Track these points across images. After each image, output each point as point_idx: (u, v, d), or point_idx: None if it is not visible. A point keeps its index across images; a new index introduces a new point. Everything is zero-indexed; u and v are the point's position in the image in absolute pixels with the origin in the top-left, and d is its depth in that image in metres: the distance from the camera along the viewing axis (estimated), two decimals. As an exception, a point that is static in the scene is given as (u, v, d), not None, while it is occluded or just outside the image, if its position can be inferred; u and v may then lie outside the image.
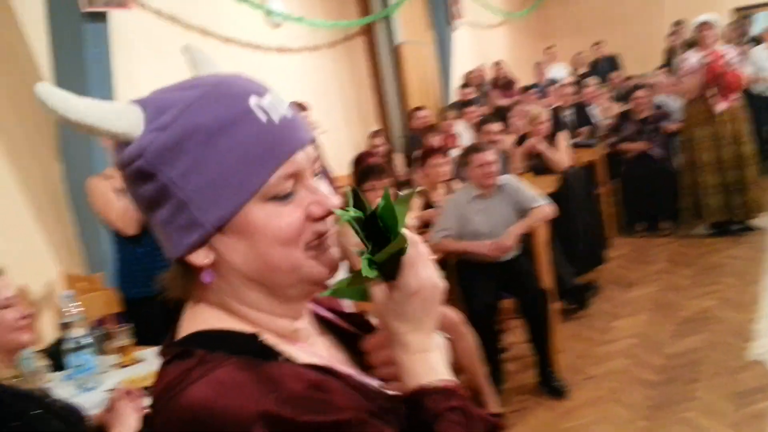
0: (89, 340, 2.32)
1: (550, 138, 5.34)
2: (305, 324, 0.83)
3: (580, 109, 7.11)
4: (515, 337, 4.06)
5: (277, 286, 0.75)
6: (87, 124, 0.70)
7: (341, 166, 5.55)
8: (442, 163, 4.37)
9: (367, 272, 0.75)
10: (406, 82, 7.41)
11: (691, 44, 5.78)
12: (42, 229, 4.07)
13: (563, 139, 5.41)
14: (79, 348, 2.29)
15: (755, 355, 3.56)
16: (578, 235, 4.92)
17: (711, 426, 3.01)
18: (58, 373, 2.38)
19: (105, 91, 4.30)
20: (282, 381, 0.67)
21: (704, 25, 5.52)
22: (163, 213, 0.72)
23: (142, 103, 0.73)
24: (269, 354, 0.72)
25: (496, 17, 10.63)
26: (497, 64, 9.19)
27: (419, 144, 5.73)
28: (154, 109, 0.72)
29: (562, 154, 5.27)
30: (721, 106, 5.48)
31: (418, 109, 6.61)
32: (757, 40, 7.96)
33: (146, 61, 4.80)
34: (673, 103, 6.59)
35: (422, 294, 0.74)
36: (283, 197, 0.73)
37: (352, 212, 0.76)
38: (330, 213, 0.76)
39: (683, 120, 5.85)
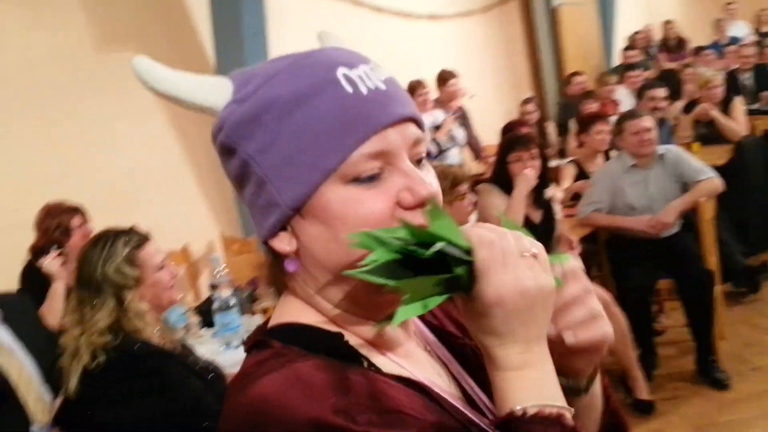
0: (234, 300, 2.45)
1: (724, 104, 4.84)
2: (397, 332, 0.72)
3: (761, 71, 6.38)
4: (672, 320, 3.77)
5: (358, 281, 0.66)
6: (175, 96, 0.67)
7: (491, 135, 5.42)
8: (603, 131, 4.11)
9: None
10: (563, 46, 7.06)
11: None
12: (204, 194, 4.36)
13: (739, 104, 4.89)
14: (226, 308, 2.42)
15: None
16: (752, 212, 4.45)
17: None
18: (207, 330, 2.54)
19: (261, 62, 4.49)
20: (354, 388, 0.60)
21: None
22: (248, 191, 0.68)
23: (235, 76, 0.69)
24: (353, 357, 0.66)
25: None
26: (667, 23, 8.47)
27: (574, 112, 5.45)
28: (240, 81, 0.67)
29: (737, 121, 4.77)
30: None
31: (575, 74, 6.27)
32: None
33: (300, 34, 4.94)
34: None
35: (506, 303, 0.60)
36: (366, 180, 0.63)
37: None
38: (425, 202, 0.64)
39: None
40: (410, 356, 0.72)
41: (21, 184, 3.50)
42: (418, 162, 0.68)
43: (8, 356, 2.41)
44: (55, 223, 3.00)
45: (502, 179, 3.27)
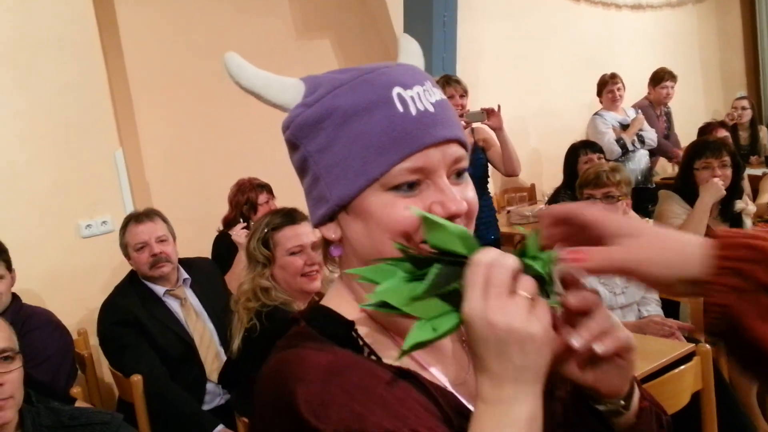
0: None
1: None
2: None
3: None
4: None
5: None
6: (254, 92, 0.76)
7: (691, 135, 5.03)
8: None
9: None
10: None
11: None
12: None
13: None
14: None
15: None
16: None
17: None
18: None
19: (449, 52, 4.57)
20: (342, 374, 0.67)
21: None
22: (306, 182, 0.77)
23: (308, 80, 0.77)
24: (355, 346, 0.73)
25: None
26: None
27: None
28: (311, 86, 0.76)
29: None
30: None
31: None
32: None
33: (490, 23, 4.93)
34: None
35: (473, 328, 0.60)
36: (404, 189, 0.71)
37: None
38: (454, 217, 0.70)
39: None
40: (438, 347, 0.78)
41: (221, 160, 3.87)
42: (458, 175, 0.74)
43: (195, 318, 2.71)
44: (245, 198, 3.28)
45: (687, 186, 3.05)
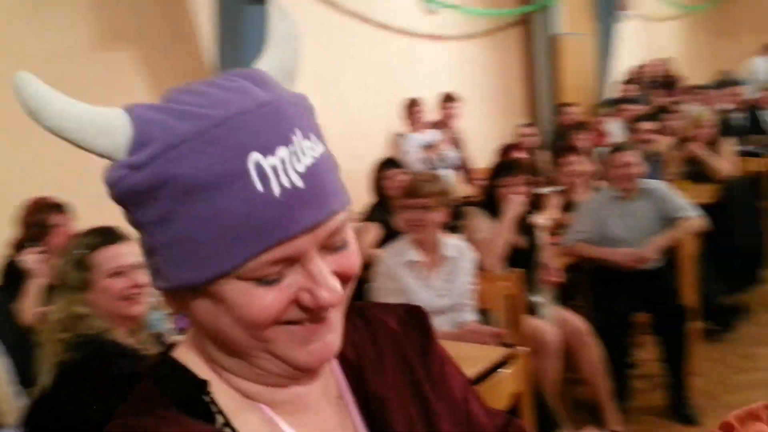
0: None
1: (714, 143, 4.91)
2: (306, 390, 0.68)
3: (754, 113, 6.47)
4: (647, 353, 3.79)
5: (244, 355, 0.62)
6: (63, 136, 0.58)
7: (483, 158, 5.47)
8: (575, 162, 4.19)
9: None
10: (561, 75, 7.14)
11: None
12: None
13: (728, 145, 4.95)
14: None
15: None
16: (735, 251, 4.50)
17: None
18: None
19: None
20: None
21: None
22: (141, 241, 0.63)
23: (136, 118, 0.59)
24: (206, 415, 0.62)
25: (670, 10, 9.92)
26: (662, 60, 8.58)
27: (565, 141, 5.51)
28: (139, 134, 0.58)
29: (725, 161, 4.83)
30: None
31: (567, 104, 6.35)
32: None
33: (304, 45, 4.98)
34: None
35: None
36: (264, 280, 0.58)
37: None
38: (324, 309, 0.60)
39: None
40: (308, 409, 0.68)
41: (12, 179, 3.48)
42: (337, 247, 0.62)
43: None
44: (37, 219, 2.96)
45: (491, 203, 3.31)
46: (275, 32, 0.68)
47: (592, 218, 3.52)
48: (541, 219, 3.63)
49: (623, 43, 8.19)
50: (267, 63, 0.66)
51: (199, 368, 0.65)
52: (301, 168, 0.58)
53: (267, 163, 0.56)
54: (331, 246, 0.61)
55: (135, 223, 0.61)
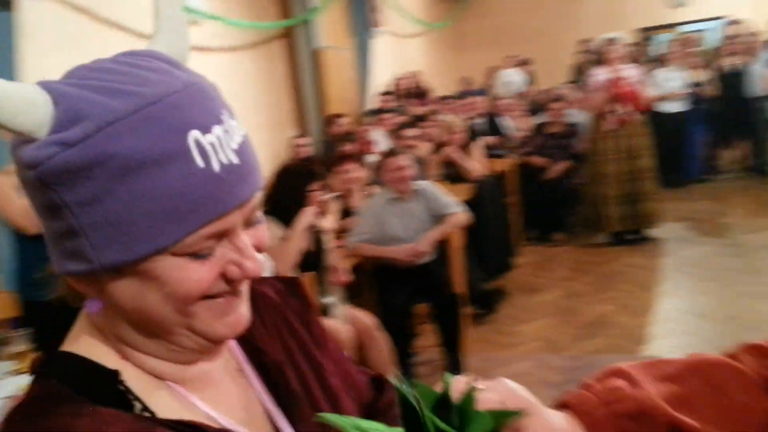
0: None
1: (467, 147, 5.50)
2: (210, 366, 0.70)
3: (491, 120, 7.36)
4: (427, 341, 4.15)
5: (164, 333, 0.64)
6: None
7: (265, 168, 5.52)
8: (352, 170, 4.44)
9: None
10: (326, 87, 7.43)
11: (597, 61, 6.10)
12: (-64, 226, 3.83)
13: (478, 148, 5.59)
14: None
15: (647, 357, 3.78)
16: (489, 242, 5.09)
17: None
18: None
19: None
20: None
21: (610, 43, 5.84)
22: (52, 226, 0.60)
23: (56, 94, 0.57)
24: (123, 402, 0.62)
25: (415, 27, 10.83)
26: (413, 73, 9.37)
27: (335, 150, 5.78)
28: (67, 111, 0.56)
29: (476, 163, 5.44)
30: (610, 125, 5.80)
31: (336, 116, 6.65)
32: (658, 61, 8.46)
33: (55, 54, 4.62)
34: (580, 117, 6.93)
35: None
36: (197, 255, 0.60)
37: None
38: (247, 281, 0.65)
39: (588, 134, 6.16)
40: (215, 385, 0.70)
41: None
42: (254, 222, 0.66)
43: None
44: None
45: (277, 210, 3.38)
46: (165, 18, 0.68)
47: (372, 220, 3.77)
48: (327, 223, 3.80)
49: (378, 57, 8.78)
50: (162, 47, 0.66)
51: (105, 357, 0.64)
52: (234, 145, 0.61)
53: (206, 140, 0.58)
54: (250, 220, 0.65)
55: (52, 205, 0.58)
